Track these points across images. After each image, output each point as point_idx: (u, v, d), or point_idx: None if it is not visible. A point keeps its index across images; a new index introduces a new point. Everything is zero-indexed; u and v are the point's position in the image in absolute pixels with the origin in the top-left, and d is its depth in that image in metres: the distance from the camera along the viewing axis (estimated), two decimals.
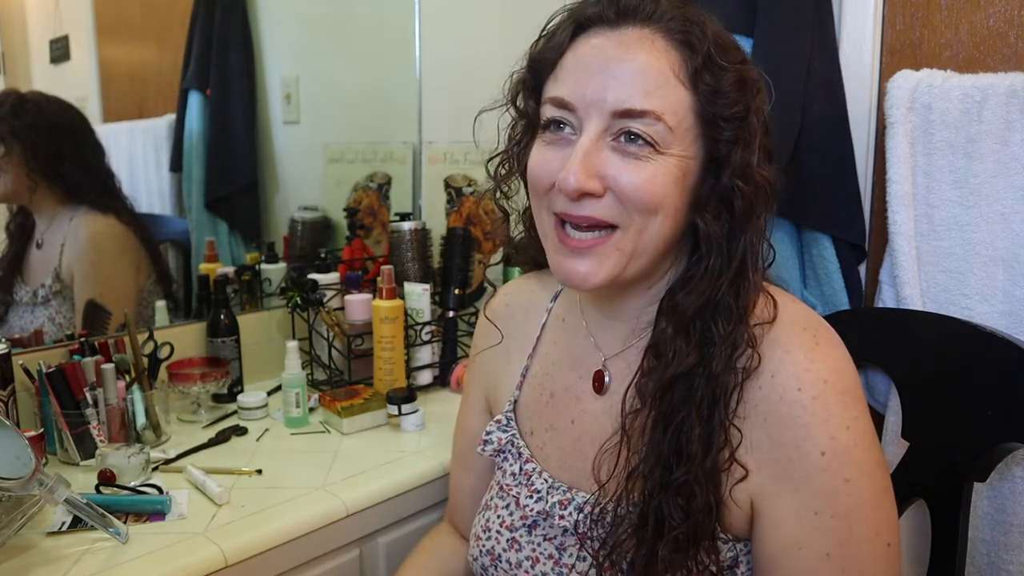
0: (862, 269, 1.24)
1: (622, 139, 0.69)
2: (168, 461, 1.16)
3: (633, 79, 0.68)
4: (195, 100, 1.65)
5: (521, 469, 0.86)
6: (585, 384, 0.84)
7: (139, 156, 1.54)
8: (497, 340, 0.93)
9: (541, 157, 0.74)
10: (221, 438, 1.25)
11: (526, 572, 0.82)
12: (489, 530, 0.86)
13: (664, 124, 0.68)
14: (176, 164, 1.63)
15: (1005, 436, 0.95)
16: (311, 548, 1.01)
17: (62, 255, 1.40)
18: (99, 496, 1.03)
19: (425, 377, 1.52)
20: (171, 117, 1.63)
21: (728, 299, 0.71)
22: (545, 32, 0.77)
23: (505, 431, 0.89)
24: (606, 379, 0.82)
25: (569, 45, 0.73)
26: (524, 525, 0.83)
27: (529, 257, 0.94)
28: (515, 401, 0.90)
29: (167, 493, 1.04)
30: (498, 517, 0.86)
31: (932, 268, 1.11)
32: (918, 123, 1.11)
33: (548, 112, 0.73)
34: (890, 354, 1.09)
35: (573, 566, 0.79)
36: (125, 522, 0.98)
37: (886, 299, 1.16)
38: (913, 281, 1.11)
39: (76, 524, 0.96)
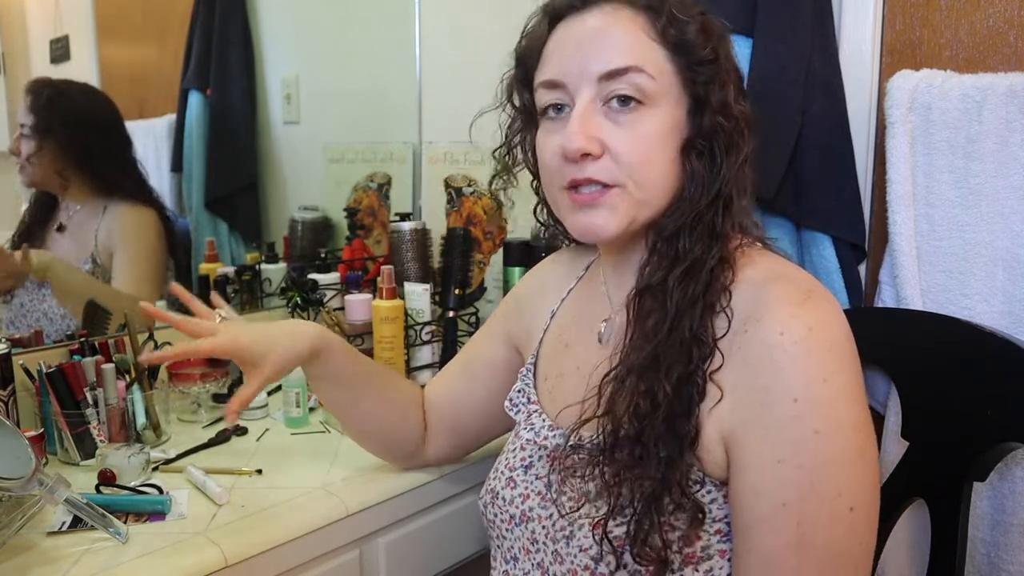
0: (862, 269, 1.23)
1: (614, 103, 0.75)
2: (168, 461, 1.16)
3: (611, 44, 0.75)
4: (195, 100, 1.65)
5: (527, 413, 0.92)
6: (593, 334, 0.89)
7: (139, 156, 1.54)
8: (537, 292, 1.02)
9: (548, 139, 0.80)
10: (221, 438, 1.25)
11: (516, 507, 0.87)
12: (497, 470, 0.93)
13: (647, 75, 0.75)
14: (176, 164, 1.63)
15: (1005, 436, 0.95)
16: (311, 548, 1.01)
17: (97, 240, 1.43)
18: (99, 496, 1.03)
19: (425, 377, 1.51)
20: (171, 117, 1.63)
21: (708, 220, 0.76)
22: (525, 32, 0.85)
23: (523, 380, 0.96)
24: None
25: (548, 35, 0.80)
26: (522, 465, 0.89)
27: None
28: (537, 352, 0.96)
29: (167, 493, 1.04)
30: (505, 459, 0.93)
31: (932, 268, 1.11)
32: (918, 123, 1.11)
33: (543, 98, 0.80)
34: (890, 354, 1.09)
35: (555, 499, 0.82)
36: (125, 522, 0.98)
37: (886, 299, 1.16)
38: (913, 281, 1.11)
39: (76, 524, 0.96)
